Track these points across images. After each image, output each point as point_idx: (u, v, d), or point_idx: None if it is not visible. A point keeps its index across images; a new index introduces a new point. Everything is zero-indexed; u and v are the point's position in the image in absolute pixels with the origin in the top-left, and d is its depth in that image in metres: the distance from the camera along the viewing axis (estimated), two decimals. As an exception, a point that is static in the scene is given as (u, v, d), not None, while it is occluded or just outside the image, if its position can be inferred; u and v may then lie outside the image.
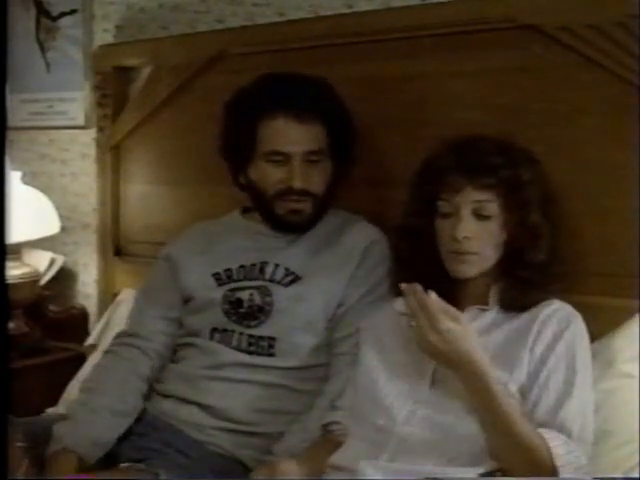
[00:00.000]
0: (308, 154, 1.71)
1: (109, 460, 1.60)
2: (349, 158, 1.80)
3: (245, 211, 1.88)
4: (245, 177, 1.79)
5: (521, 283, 1.47)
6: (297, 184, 1.70)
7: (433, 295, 1.35)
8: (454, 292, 1.50)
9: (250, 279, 1.74)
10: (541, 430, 1.32)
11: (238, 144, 1.76)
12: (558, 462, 1.29)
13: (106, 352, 1.83)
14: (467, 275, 1.48)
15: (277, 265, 1.73)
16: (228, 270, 1.76)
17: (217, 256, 1.79)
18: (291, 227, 1.76)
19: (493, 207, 1.45)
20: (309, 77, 1.76)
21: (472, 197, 1.45)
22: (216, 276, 1.76)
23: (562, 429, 1.33)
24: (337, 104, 1.77)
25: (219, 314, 1.72)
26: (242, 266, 1.76)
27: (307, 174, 1.71)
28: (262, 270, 1.74)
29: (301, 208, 1.73)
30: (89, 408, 1.66)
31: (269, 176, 1.73)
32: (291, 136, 1.70)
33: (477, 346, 1.35)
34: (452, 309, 1.36)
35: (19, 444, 1.40)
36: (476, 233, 1.45)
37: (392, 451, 1.37)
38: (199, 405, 1.66)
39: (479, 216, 1.45)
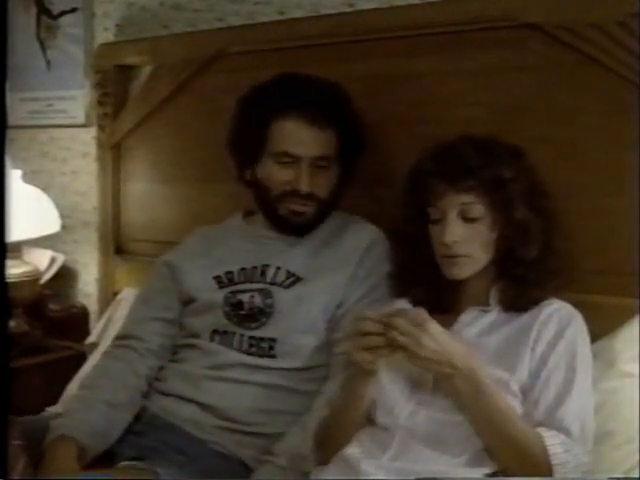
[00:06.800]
0: (317, 159, 1.71)
1: (109, 459, 1.59)
2: (356, 164, 1.79)
3: (247, 215, 1.88)
4: (251, 174, 1.78)
5: (517, 281, 1.46)
6: (304, 188, 1.70)
7: (389, 309, 1.32)
8: (454, 294, 1.51)
9: (251, 282, 1.73)
10: (540, 429, 1.32)
11: (248, 141, 1.75)
12: (554, 460, 1.29)
13: (103, 354, 1.84)
14: (461, 276, 1.48)
15: (278, 268, 1.73)
16: (229, 273, 1.76)
17: (218, 259, 1.79)
18: (292, 228, 1.76)
19: (478, 208, 1.45)
20: (326, 81, 1.75)
21: (456, 201, 1.45)
22: (217, 279, 1.76)
23: (561, 428, 1.32)
24: (351, 111, 1.77)
25: (220, 316, 1.72)
26: (243, 268, 1.75)
27: (314, 178, 1.71)
28: (263, 273, 1.74)
29: (304, 210, 1.73)
30: (85, 401, 1.67)
31: (276, 176, 1.72)
32: (302, 139, 1.70)
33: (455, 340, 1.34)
34: (413, 311, 1.33)
35: (16, 442, 1.38)
36: (464, 236, 1.45)
37: (396, 450, 1.37)
38: (200, 404, 1.65)
39: (466, 219, 1.45)
